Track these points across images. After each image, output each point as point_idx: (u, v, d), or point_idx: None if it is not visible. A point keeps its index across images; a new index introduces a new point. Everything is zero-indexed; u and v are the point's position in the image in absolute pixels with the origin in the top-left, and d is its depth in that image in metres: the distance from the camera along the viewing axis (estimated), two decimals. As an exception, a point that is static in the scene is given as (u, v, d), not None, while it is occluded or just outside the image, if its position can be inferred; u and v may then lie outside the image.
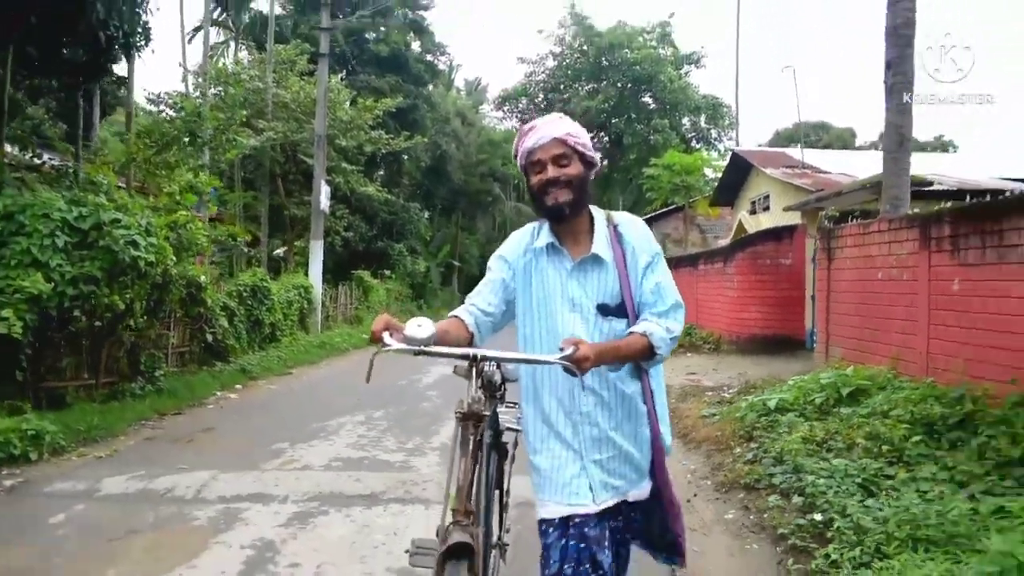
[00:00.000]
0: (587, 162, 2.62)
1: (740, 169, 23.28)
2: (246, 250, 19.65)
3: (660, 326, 2.51)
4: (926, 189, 14.69)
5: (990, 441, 5.75)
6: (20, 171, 10.35)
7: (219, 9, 27.15)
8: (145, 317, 9.71)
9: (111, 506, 5.44)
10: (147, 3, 10.56)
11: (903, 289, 8.54)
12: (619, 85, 44.11)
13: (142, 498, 5.61)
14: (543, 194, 2.57)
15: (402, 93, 29.01)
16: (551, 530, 2.54)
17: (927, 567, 3.76)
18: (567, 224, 2.62)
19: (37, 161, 10.86)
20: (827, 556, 4.26)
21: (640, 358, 2.52)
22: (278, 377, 12.77)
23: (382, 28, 31.00)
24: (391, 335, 2.28)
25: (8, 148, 10.87)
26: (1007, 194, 8.01)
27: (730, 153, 25.56)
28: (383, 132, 22.75)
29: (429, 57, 35.43)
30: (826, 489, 5.08)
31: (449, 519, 2.34)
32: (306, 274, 19.10)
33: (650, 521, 2.64)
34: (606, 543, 2.49)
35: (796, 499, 5.16)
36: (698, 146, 46.00)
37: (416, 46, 34.69)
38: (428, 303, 34.20)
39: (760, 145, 56.46)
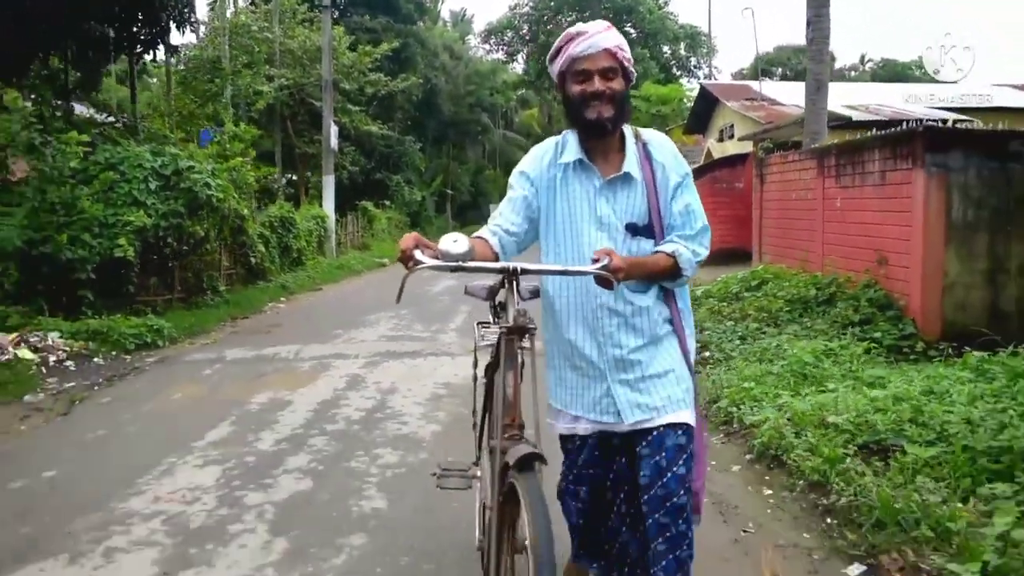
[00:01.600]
0: (628, 77, 2.51)
1: (708, 101, 25.54)
2: (275, 187, 21.92)
3: (688, 248, 2.47)
4: (857, 120, 17.16)
5: (841, 311, 8.36)
6: (99, 128, 12.67)
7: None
8: (217, 243, 12.21)
9: (239, 364, 8.08)
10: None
11: (807, 207, 11.07)
12: (601, 15, 45.76)
13: (258, 359, 8.25)
14: (585, 106, 2.44)
15: (393, 32, 30.97)
16: (571, 446, 2.59)
17: (754, 366, 6.39)
18: (599, 140, 2.52)
19: (111, 119, 13.15)
20: (705, 371, 6.88)
21: (665, 277, 2.48)
22: (311, 292, 15.34)
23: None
24: (423, 252, 2.20)
25: (81, 108, 13.19)
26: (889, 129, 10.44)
27: (699, 86, 27.68)
28: (381, 75, 24.87)
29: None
30: (716, 338, 7.72)
31: (499, 435, 2.29)
32: (320, 206, 21.51)
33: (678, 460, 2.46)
34: (622, 460, 2.52)
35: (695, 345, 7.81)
36: (678, 73, 48.01)
37: (405, -16, 36.34)
38: (424, 230, 36.55)
39: (742, 70, 58.34)
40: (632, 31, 46.52)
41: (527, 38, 48.54)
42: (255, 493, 4.32)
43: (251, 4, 23.87)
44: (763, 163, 13.30)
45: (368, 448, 5.10)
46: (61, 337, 8.81)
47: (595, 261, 2.24)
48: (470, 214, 50.48)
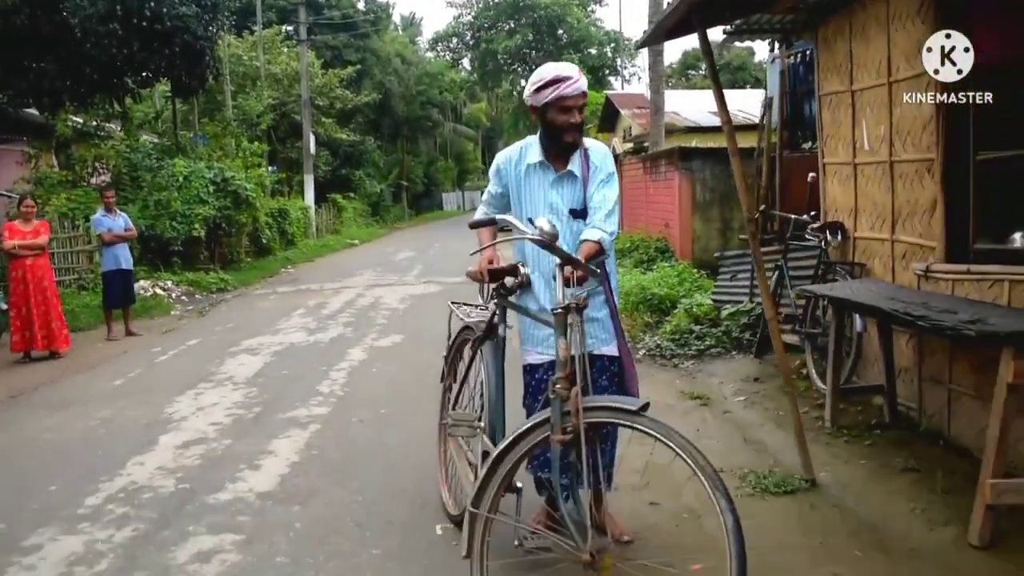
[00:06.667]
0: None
1: (612, 107, 31.55)
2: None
3: (605, 232, 3.28)
4: (708, 125, 23.17)
5: (639, 254, 14.39)
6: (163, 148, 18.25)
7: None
8: (248, 227, 17.96)
9: (289, 293, 13.94)
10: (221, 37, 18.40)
11: (639, 193, 17.13)
12: (534, 24, 51.62)
13: (298, 291, 14.11)
14: (564, 131, 3.34)
15: (352, 48, 36.53)
16: (528, 372, 3.58)
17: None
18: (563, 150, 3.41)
19: (168, 143, 18.74)
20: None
21: (598, 256, 3.24)
22: (308, 262, 21.07)
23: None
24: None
25: (146, 137, 18.75)
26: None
27: (605, 95, 33.66)
28: (347, 92, 30.53)
29: (372, 16, 42.56)
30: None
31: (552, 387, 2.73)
32: (303, 199, 27.15)
33: (615, 375, 3.47)
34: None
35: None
36: (607, 72, 54.14)
37: (361, 5, 41.86)
38: (383, 218, 42.20)
39: (671, 64, 64.50)
40: (564, 37, 52.47)
41: (471, 44, 54.20)
42: (332, 322, 10.35)
43: (239, 36, 29.14)
44: (621, 163, 19.35)
45: (376, 311, 11.12)
46: (173, 284, 14.52)
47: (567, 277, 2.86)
48: (424, 202, 55.84)
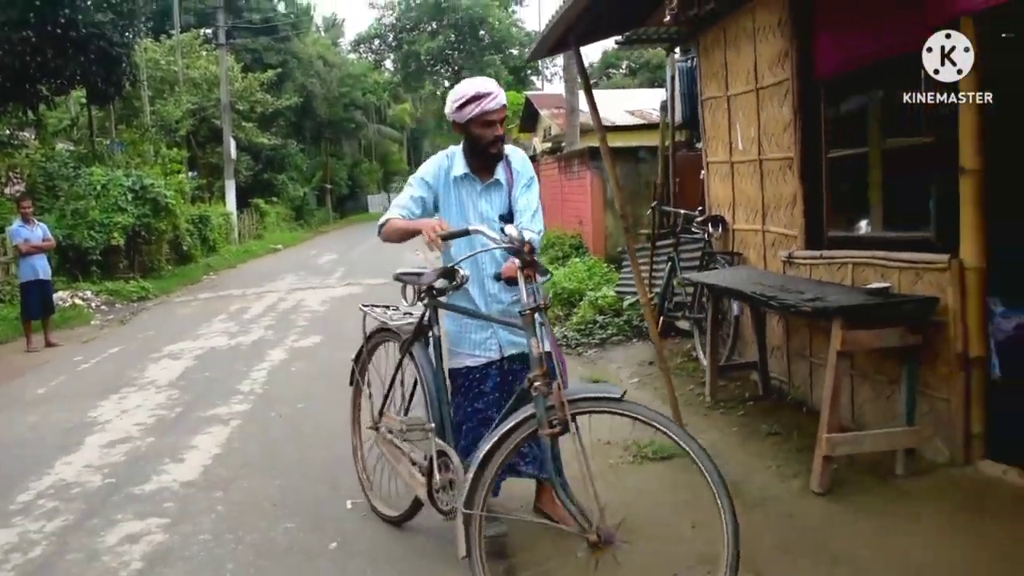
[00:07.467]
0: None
1: (532, 107, 32.17)
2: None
3: (533, 232, 3.43)
4: (624, 124, 23.86)
5: (555, 251, 14.92)
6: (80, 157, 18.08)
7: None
8: (168, 235, 17.94)
9: (211, 299, 14.06)
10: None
11: (556, 191, 17.68)
12: (456, 25, 51.95)
13: (220, 296, 14.25)
14: (490, 145, 3.53)
15: (273, 52, 36.35)
16: (461, 375, 3.68)
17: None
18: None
19: (84, 151, 18.56)
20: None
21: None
22: (230, 268, 21.06)
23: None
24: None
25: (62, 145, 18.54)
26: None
27: (525, 96, 34.27)
28: (267, 96, 30.42)
29: (293, 18, 42.35)
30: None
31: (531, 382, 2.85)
32: (224, 205, 26.99)
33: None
34: (498, 379, 3.64)
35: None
36: (529, 73, 54.77)
37: (282, 7, 41.61)
38: (307, 222, 41.98)
39: (592, 63, 65.60)
40: (486, 38, 52.92)
41: (393, 45, 54.27)
42: (254, 325, 10.59)
43: (156, 40, 28.77)
44: (537, 161, 19.91)
45: (297, 313, 11.40)
46: (92, 293, 14.49)
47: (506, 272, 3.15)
48: (349, 204, 55.48)
